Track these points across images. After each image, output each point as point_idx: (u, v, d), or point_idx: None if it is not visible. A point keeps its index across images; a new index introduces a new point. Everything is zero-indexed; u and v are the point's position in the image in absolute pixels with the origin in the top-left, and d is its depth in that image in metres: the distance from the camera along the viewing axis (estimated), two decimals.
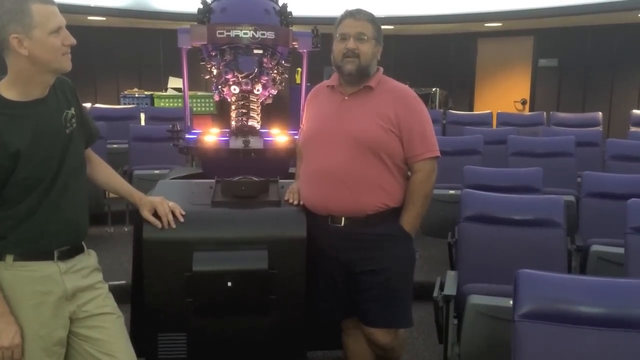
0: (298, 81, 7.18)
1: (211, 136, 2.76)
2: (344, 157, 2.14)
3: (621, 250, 2.83)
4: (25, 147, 1.62)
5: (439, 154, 2.22)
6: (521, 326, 1.66)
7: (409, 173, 2.24)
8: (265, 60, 2.73)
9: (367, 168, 2.14)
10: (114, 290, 1.93)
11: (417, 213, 2.21)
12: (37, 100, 1.68)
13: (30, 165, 1.63)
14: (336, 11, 2.33)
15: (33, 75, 1.64)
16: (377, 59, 2.24)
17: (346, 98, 2.22)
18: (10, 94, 1.64)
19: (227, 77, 2.70)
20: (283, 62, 2.88)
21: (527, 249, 2.78)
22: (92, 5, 7.67)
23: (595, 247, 2.98)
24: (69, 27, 1.69)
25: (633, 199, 2.89)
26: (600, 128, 6.55)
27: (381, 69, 2.27)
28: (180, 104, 7.81)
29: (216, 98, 2.93)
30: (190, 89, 3.03)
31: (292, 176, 2.58)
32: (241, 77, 2.69)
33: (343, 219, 2.18)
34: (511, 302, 1.74)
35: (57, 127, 1.71)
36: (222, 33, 2.63)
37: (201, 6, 2.77)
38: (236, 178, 2.35)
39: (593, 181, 3.68)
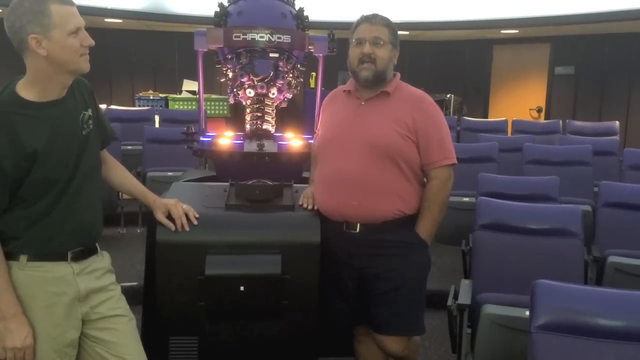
0: (312, 85, 7.19)
1: (225, 139, 2.76)
2: (361, 163, 2.12)
3: (639, 261, 2.79)
4: (42, 148, 1.62)
5: (455, 161, 2.19)
6: (538, 338, 1.63)
7: (425, 180, 2.22)
8: (281, 64, 2.73)
9: (383, 174, 2.13)
10: (125, 291, 1.92)
11: (433, 220, 2.19)
12: (54, 101, 1.68)
13: (47, 166, 1.63)
14: (352, 16, 2.32)
15: (51, 75, 1.65)
16: (394, 63, 2.22)
17: (363, 103, 2.21)
18: (29, 95, 1.64)
19: (242, 80, 2.70)
20: (299, 66, 2.88)
21: (543, 259, 2.75)
22: (109, 7, 7.73)
23: (612, 258, 2.93)
24: (86, 29, 1.69)
25: None
26: (617, 137, 6.47)
27: (398, 75, 2.25)
28: (194, 107, 7.85)
29: (231, 101, 2.94)
30: (204, 91, 3.03)
31: (305, 180, 2.57)
32: (257, 81, 2.69)
33: (358, 225, 2.16)
34: (527, 312, 1.72)
35: (74, 128, 1.72)
36: (239, 36, 2.64)
37: (218, 9, 2.77)
38: (250, 181, 2.34)
39: (610, 191, 3.63)
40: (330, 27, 3.20)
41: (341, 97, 2.29)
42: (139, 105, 7.92)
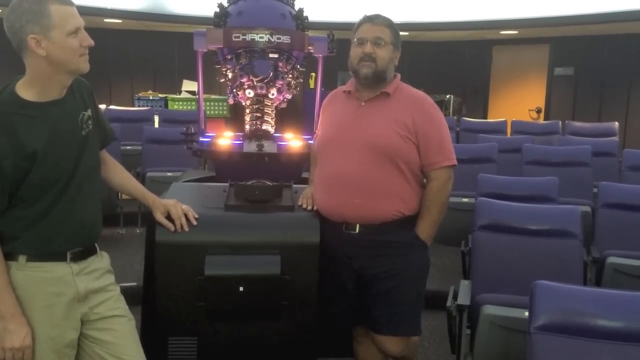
0: (311, 86, 7.19)
1: (225, 139, 2.76)
2: (360, 164, 2.12)
3: (638, 262, 2.80)
4: (42, 148, 1.62)
5: (455, 162, 2.19)
6: (537, 338, 1.64)
7: (425, 181, 2.21)
8: (280, 64, 2.73)
9: (383, 175, 2.12)
10: (124, 291, 1.92)
11: (433, 221, 2.19)
12: (54, 101, 1.68)
13: (46, 166, 1.63)
14: (352, 17, 2.32)
15: (51, 76, 1.64)
16: (395, 64, 2.22)
17: (363, 104, 2.20)
18: (28, 95, 1.64)
19: (242, 80, 2.71)
20: (298, 66, 2.88)
21: (542, 260, 2.75)
22: (108, 7, 7.73)
23: (611, 259, 2.93)
24: (85, 29, 1.68)
25: None
26: (616, 138, 6.47)
27: (399, 76, 2.25)
28: (193, 107, 7.85)
29: (230, 101, 2.94)
30: (204, 92, 3.04)
31: (305, 181, 2.56)
32: (256, 81, 2.69)
33: (358, 225, 2.16)
34: (526, 313, 1.72)
35: (74, 128, 1.71)
36: (238, 37, 2.64)
37: (218, 10, 2.77)
38: (250, 182, 2.34)
39: (609, 192, 3.64)
40: (330, 27, 3.21)
41: (341, 97, 2.29)
42: (139, 106, 7.92)
